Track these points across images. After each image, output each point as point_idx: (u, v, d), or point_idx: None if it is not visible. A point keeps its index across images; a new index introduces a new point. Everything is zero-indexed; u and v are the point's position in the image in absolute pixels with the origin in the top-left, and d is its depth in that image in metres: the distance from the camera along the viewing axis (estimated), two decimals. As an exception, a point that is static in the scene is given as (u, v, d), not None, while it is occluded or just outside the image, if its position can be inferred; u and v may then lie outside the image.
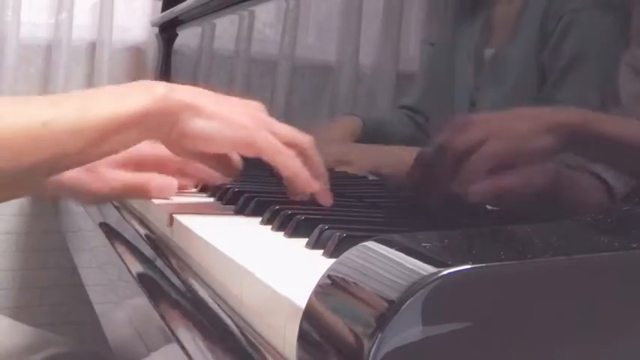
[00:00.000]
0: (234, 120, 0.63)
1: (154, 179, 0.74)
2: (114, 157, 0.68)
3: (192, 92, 0.64)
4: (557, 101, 0.58)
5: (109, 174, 0.74)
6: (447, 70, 0.72)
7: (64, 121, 0.58)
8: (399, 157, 0.79)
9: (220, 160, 0.69)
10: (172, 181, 0.74)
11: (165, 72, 1.71)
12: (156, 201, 0.75)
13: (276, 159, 0.64)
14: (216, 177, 0.74)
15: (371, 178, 0.80)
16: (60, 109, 0.59)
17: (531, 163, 0.55)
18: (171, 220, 0.68)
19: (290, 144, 0.64)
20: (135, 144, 0.64)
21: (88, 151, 0.60)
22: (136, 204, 0.86)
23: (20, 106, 0.60)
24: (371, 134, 0.85)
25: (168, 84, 0.64)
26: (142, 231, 0.79)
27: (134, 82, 0.65)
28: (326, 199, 0.67)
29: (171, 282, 0.60)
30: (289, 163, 0.64)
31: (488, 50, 0.67)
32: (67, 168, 0.63)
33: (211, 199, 0.79)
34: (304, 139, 0.66)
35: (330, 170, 0.90)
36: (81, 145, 0.59)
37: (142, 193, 0.74)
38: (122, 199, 0.89)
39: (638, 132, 0.49)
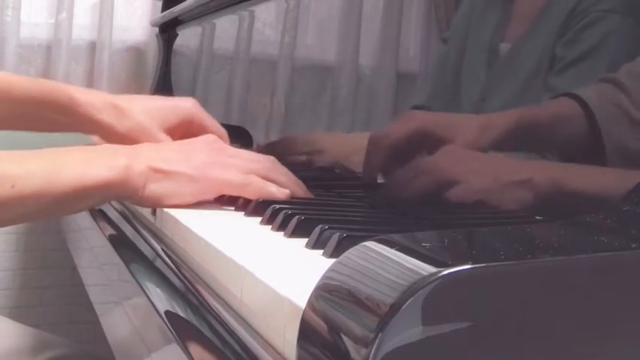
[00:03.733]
0: (192, 174, 0.69)
1: None
2: (165, 123, 0.82)
3: (149, 157, 0.69)
4: (555, 90, 0.60)
5: None
6: (458, 65, 0.72)
7: (32, 184, 0.62)
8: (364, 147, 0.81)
9: None
10: None
11: (165, 72, 1.71)
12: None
13: (240, 194, 0.70)
14: None
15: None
16: (27, 170, 0.63)
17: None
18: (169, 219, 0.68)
19: (249, 172, 0.70)
20: (99, 205, 0.72)
21: (52, 212, 0.67)
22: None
23: None
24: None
25: (129, 150, 0.70)
26: (142, 230, 0.79)
27: (98, 148, 0.71)
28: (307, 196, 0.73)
29: (170, 282, 0.60)
30: (252, 192, 0.69)
31: (504, 45, 0.67)
32: (27, 222, 0.69)
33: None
34: (260, 166, 0.72)
35: (331, 170, 0.91)
36: (44, 207, 0.64)
37: None
38: None
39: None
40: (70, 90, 0.86)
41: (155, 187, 0.68)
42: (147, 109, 0.86)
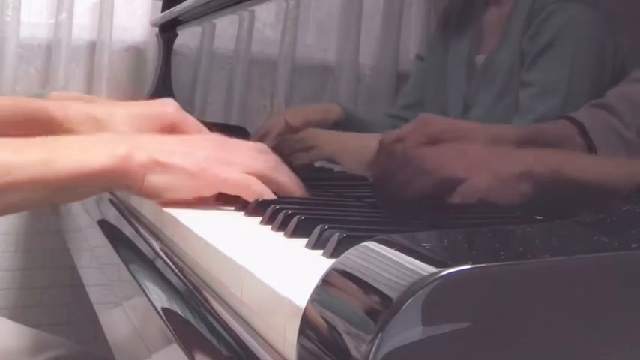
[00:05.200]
0: (192, 170, 0.68)
1: None
2: (147, 131, 0.78)
3: (151, 148, 0.68)
4: (528, 85, 0.62)
5: None
6: (436, 78, 0.73)
7: (28, 172, 0.62)
8: (361, 146, 0.81)
9: None
10: None
11: (165, 72, 1.71)
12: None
13: (237, 193, 0.69)
14: None
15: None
16: (24, 159, 0.63)
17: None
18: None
19: (249, 173, 0.69)
20: (95, 195, 0.71)
21: (48, 200, 0.67)
22: (132, 201, 0.86)
23: None
24: (348, 126, 0.88)
25: (131, 140, 0.69)
26: (142, 230, 0.79)
27: (99, 136, 0.70)
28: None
29: (170, 282, 0.60)
30: (250, 194, 0.68)
31: (480, 57, 0.68)
32: (26, 210, 0.69)
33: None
34: (263, 166, 0.71)
35: (330, 170, 0.91)
36: (41, 195, 0.64)
37: None
38: None
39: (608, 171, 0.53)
40: (49, 108, 0.84)
41: (154, 180, 0.67)
42: (127, 119, 0.84)
